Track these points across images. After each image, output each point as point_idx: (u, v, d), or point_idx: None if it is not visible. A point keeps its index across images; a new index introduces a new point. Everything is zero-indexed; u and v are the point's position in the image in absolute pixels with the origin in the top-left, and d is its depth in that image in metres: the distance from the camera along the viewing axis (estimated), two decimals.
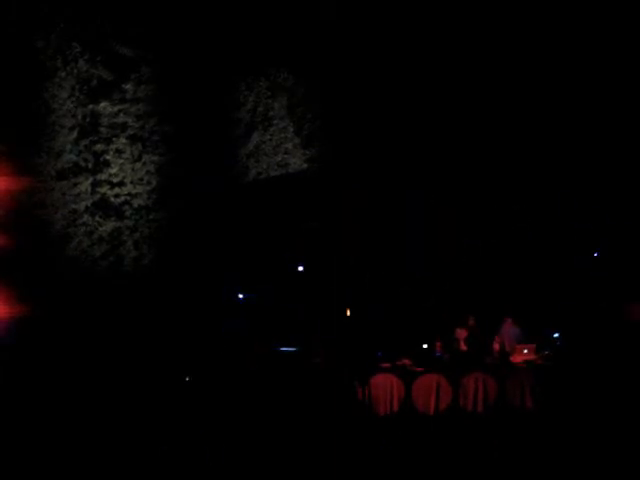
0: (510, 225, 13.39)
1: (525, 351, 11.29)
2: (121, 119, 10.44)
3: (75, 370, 9.83)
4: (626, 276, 11.59)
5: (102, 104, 10.34)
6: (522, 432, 9.78)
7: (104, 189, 10.41)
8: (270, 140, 11.40)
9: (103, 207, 10.41)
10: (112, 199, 10.46)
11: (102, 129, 10.37)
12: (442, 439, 9.82)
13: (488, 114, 11.49)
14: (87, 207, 10.33)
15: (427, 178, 12.28)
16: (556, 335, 11.69)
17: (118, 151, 10.44)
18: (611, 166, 11.36)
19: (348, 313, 13.02)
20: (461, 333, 11.86)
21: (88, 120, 10.28)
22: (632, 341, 11.00)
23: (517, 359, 11.28)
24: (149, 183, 10.63)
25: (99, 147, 10.35)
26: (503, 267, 13.13)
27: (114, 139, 10.41)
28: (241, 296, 11.73)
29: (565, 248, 12.44)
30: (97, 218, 10.36)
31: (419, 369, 11.09)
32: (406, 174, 12.07)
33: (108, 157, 10.40)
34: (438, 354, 11.79)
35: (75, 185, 10.25)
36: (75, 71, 10.18)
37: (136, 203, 10.56)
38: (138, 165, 10.54)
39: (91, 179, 10.34)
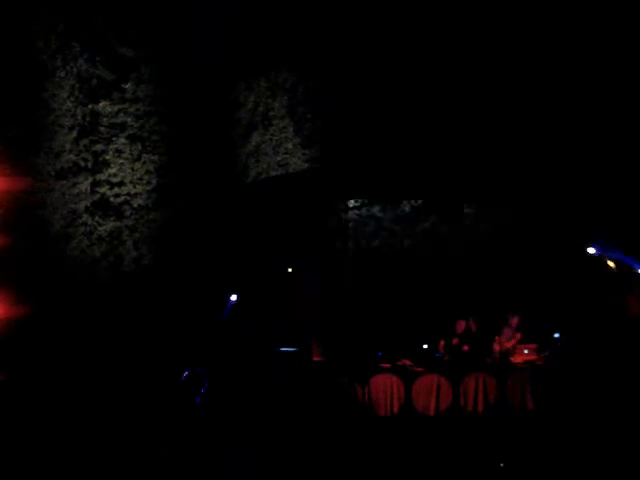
0: (510, 225, 13.40)
1: (525, 351, 11.30)
2: (121, 119, 10.44)
3: (75, 370, 9.83)
4: (625, 271, 11.57)
5: (102, 104, 10.33)
6: (522, 432, 9.78)
7: (104, 189, 10.40)
8: (270, 140, 11.40)
9: (103, 207, 10.40)
10: (112, 199, 10.45)
11: (102, 129, 10.36)
12: (442, 439, 9.82)
13: (489, 115, 11.46)
14: (87, 207, 10.31)
15: (428, 180, 12.28)
16: (556, 335, 11.69)
17: (118, 151, 10.43)
18: (610, 164, 11.33)
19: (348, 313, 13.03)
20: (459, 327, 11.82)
21: (88, 120, 10.27)
22: (632, 340, 10.99)
23: (517, 359, 11.29)
24: (149, 183, 10.62)
25: (99, 147, 10.34)
26: (503, 267, 13.13)
27: (114, 139, 10.41)
28: (234, 297, 11.62)
29: (564, 247, 12.44)
30: (97, 218, 10.35)
31: (419, 369, 11.11)
32: (406, 175, 12.07)
33: (108, 157, 10.39)
34: (438, 354, 11.79)
35: (74, 185, 10.24)
36: (75, 70, 10.17)
37: (136, 203, 10.56)
38: (138, 165, 10.53)
39: (90, 179, 10.32)
